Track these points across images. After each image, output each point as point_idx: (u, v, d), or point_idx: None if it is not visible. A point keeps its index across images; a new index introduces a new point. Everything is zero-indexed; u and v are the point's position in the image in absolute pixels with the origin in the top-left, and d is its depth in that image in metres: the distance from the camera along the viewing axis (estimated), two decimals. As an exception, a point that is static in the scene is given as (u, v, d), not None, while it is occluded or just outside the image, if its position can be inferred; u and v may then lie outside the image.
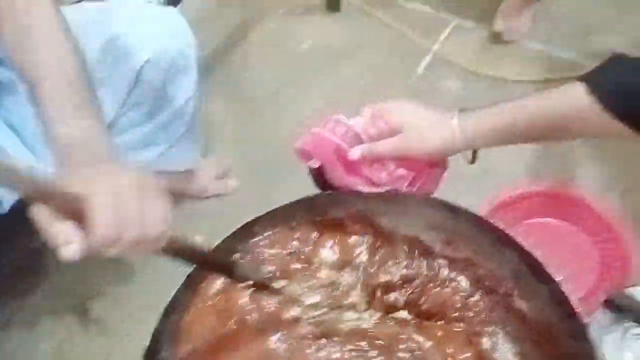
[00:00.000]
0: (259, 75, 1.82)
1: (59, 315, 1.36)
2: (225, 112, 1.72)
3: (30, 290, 1.40)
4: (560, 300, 0.70)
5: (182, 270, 0.78)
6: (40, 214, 0.60)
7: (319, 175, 0.87)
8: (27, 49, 0.76)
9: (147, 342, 1.24)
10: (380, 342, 0.77)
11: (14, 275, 1.41)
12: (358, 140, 0.84)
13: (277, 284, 0.81)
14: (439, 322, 0.79)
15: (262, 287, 0.80)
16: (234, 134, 1.68)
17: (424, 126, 0.82)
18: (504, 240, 0.77)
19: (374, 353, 0.76)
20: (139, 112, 1.17)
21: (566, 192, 1.20)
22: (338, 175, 0.84)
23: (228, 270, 0.78)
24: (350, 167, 0.84)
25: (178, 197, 1.52)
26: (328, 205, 0.84)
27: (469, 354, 0.75)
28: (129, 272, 1.40)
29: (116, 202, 0.61)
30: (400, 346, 0.76)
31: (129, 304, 1.35)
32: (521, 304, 0.76)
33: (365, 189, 0.83)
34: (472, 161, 0.85)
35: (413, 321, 0.80)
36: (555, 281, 0.70)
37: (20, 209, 1.01)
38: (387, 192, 0.83)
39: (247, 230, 0.84)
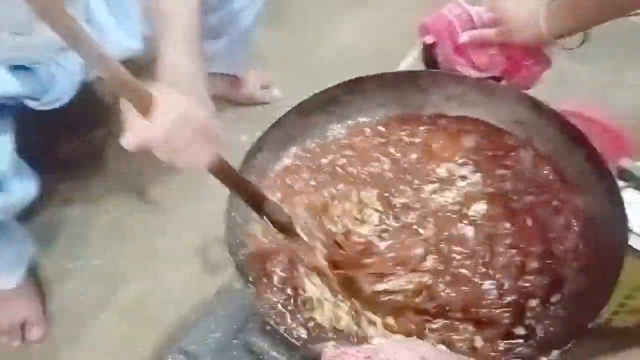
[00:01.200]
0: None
1: (115, 196, 1.48)
2: (267, 34, 1.82)
3: (89, 174, 1.52)
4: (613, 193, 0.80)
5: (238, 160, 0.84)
6: (125, 104, 0.68)
7: (429, 53, 0.99)
8: None
9: (199, 221, 1.40)
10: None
11: (74, 160, 1.54)
12: (471, 23, 0.94)
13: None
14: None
15: (286, 229, 0.83)
16: (274, 54, 1.78)
17: (522, 12, 0.89)
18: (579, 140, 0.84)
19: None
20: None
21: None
22: (446, 52, 0.96)
23: (258, 205, 0.81)
24: (458, 47, 0.95)
25: (228, 101, 1.66)
26: (429, 84, 0.94)
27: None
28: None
29: (178, 122, 0.68)
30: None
31: (183, 189, 1.48)
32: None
33: (466, 70, 0.95)
34: (581, 43, 0.90)
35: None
36: (613, 178, 0.80)
37: (79, 103, 1.13)
38: (482, 80, 0.93)
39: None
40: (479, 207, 0.85)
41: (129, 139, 0.67)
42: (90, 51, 0.62)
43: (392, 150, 0.93)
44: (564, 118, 0.86)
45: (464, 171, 0.89)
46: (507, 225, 0.82)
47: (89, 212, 1.46)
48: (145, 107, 0.67)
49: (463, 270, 0.79)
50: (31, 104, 1.06)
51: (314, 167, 0.92)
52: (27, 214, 1.25)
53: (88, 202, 1.47)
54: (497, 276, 0.78)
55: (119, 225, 1.44)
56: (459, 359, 0.59)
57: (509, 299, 0.76)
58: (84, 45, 0.60)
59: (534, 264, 0.79)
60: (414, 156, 0.91)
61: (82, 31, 0.59)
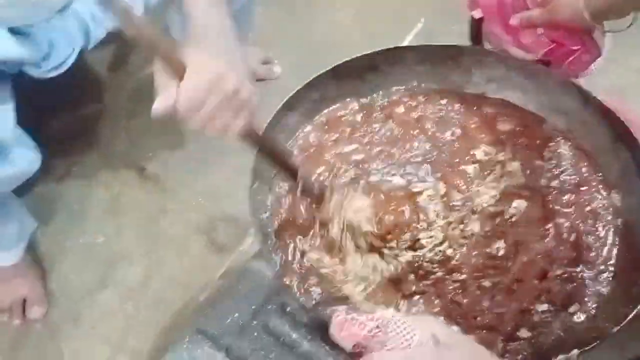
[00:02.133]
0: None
1: (115, 172, 1.43)
2: (267, 12, 1.75)
3: (84, 150, 1.47)
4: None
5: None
6: (158, 66, 0.65)
7: (477, 27, 0.95)
8: None
9: (202, 199, 1.36)
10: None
11: (69, 135, 1.48)
12: (524, 3, 0.89)
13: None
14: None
15: (317, 198, 0.81)
16: (274, 31, 1.72)
17: None
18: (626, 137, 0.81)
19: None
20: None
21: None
22: (494, 30, 0.91)
23: (291, 173, 0.79)
24: (507, 25, 0.90)
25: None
26: (472, 62, 0.92)
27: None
28: (182, 139, 1.47)
29: (207, 88, 0.65)
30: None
31: (183, 166, 1.43)
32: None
33: (513, 50, 0.90)
34: (630, 24, 0.85)
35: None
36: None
37: (72, 78, 1.07)
38: (528, 63, 0.89)
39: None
40: (519, 205, 0.82)
41: (159, 103, 0.64)
42: (116, 5, 0.58)
43: (428, 125, 0.91)
44: (610, 112, 0.82)
45: (501, 157, 0.87)
46: (541, 228, 0.80)
47: (87, 188, 1.40)
48: (176, 70, 0.64)
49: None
50: (31, 71, 1.00)
51: (347, 133, 0.90)
52: (23, 190, 1.20)
53: (85, 179, 1.42)
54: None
55: (118, 202, 1.38)
56: (468, 340, 0.56)
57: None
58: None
59: (558, 271, 0.76)
60: (449, 134, 0.89)
61: None
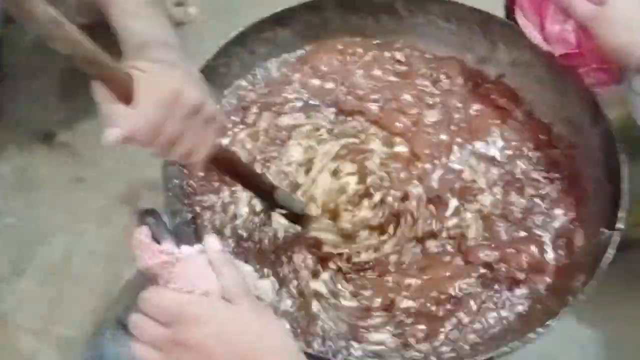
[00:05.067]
0: None
1: (22, 142, 1.29)
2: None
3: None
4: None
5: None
6: (99, 90, 0.55)
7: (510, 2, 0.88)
8: None
9: (123, 167, 1.24)
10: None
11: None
12: None
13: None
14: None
15: (295, 218, 0.77)
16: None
17: (627, 17, 0.70)
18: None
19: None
20: None
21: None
22: (523, 5, 0.80)
23: (269, 195, 0.74)
24: (536, 4, 0.79)
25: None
26: (500, 37, 0.89)
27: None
28: (93, 100, 1.33)
29: (166, 106, 0.55)
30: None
31: (96, 130, 1.28)
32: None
33: (533, 34, 0.79)
34: None
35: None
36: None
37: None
38: (555, 58, 0.79)
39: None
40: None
41: (110, 134, 0.53)
42: (43, 15, 0.48)
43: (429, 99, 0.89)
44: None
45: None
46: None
47: (-12, 163, 1.26)
48: (124, 90, 0.54)
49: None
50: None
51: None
52: None
53: (-16, 153, 1.27)
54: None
55: (27, 176, 1.25)
56: (262, 307, 0.52)
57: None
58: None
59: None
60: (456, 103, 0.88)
61: None
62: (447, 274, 0.75)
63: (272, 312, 0.52)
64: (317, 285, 0.74)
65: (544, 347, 1.00)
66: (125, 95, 0.54)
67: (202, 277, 0.50)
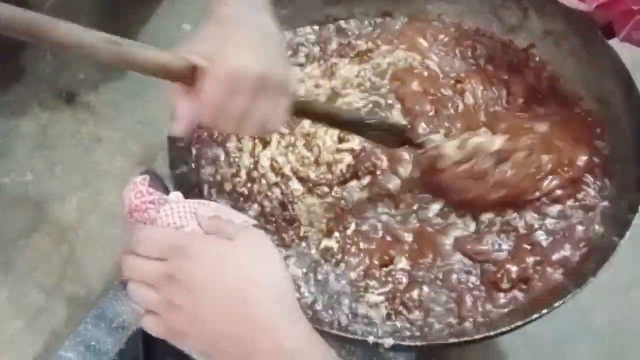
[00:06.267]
0: None
1: (43, 101, 1.28)
2: None
3: (12, 78, 1.30)
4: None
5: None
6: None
7: None
8: None
9: (141, 128, 1.24)
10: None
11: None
12: None
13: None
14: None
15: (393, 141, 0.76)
16: None
17: None
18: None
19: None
20: None
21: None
22: None
23: (359, 127, 0.72)
24: None
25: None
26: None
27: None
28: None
29: (230, 88, 0.54)
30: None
31: (118, 90, 1.29)
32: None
33: None
34: None
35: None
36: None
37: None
38: (592, 27, 0.77)
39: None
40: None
41: (175, 129, 0.56)
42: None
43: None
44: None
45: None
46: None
47: (11, 121, 1.26)
48: (186, 77, 0.54)
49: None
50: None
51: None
52: None
53: (8, 110, 1.27)
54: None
55: (47, 134, 1.25)
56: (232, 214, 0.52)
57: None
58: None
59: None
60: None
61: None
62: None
63: (272, 245, 0.50)
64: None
65: (559, 332, 0.98)
66: (190, 80, 0.54)
67: (191, 218, 0.49)
